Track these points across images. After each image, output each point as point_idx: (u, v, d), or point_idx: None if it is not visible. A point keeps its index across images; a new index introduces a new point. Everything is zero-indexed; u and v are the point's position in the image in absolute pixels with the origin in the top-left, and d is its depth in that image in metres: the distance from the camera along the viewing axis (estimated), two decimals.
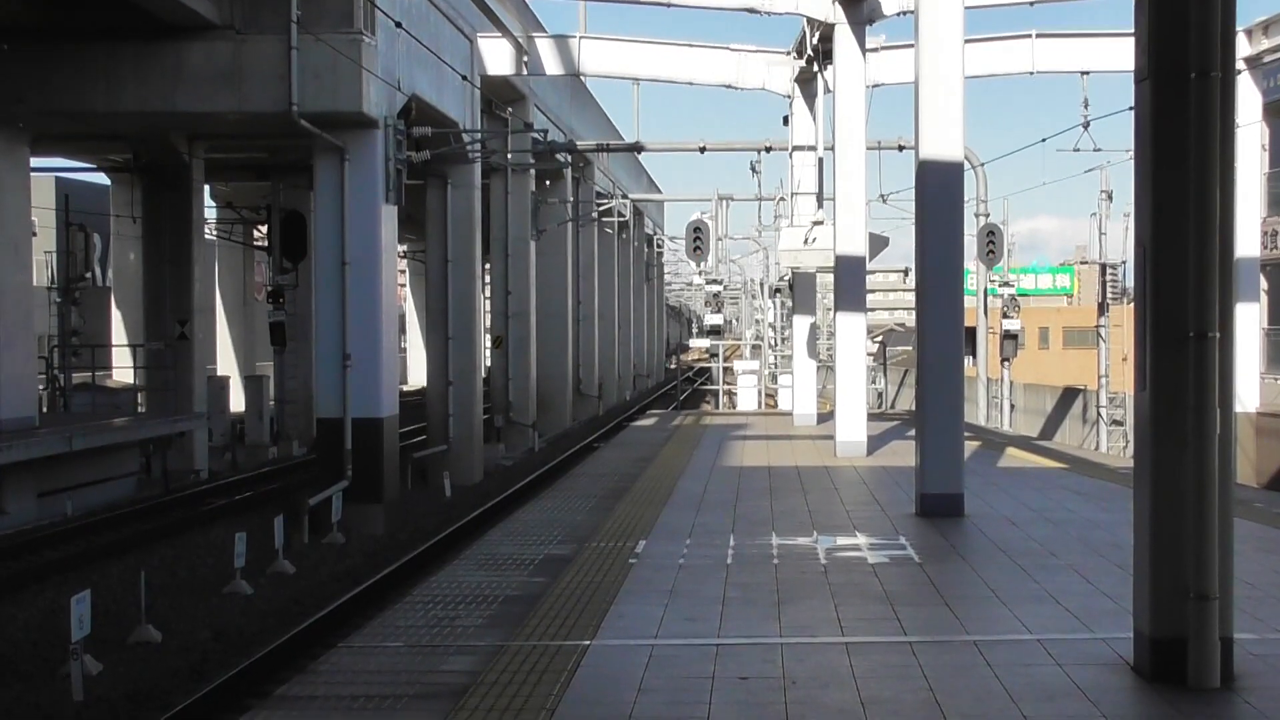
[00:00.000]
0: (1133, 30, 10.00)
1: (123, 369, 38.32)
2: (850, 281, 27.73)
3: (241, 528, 22.82)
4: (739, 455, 27.43)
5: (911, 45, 19.57)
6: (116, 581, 20.72)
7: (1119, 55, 32.98)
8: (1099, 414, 44.54)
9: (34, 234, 32.36)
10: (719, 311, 54.47)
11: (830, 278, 30.68)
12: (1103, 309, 46.69)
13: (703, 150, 41.51)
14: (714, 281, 53.75)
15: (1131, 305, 11.46)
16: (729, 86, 35.64)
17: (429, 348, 37.85)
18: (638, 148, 42.41)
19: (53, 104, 26.11)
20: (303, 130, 25.89)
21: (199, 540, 24.86)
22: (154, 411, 34.32)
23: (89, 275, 39.34)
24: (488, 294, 43.68)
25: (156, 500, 29.50)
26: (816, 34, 29.02)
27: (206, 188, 40.06)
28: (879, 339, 73.46)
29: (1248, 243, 29.30)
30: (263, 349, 45.72)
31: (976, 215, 45.06)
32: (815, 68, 30.69)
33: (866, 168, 27.77)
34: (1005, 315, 46.29)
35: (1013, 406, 48.94)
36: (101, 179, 42.19)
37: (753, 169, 55.29)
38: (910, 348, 58.50)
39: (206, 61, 25.67)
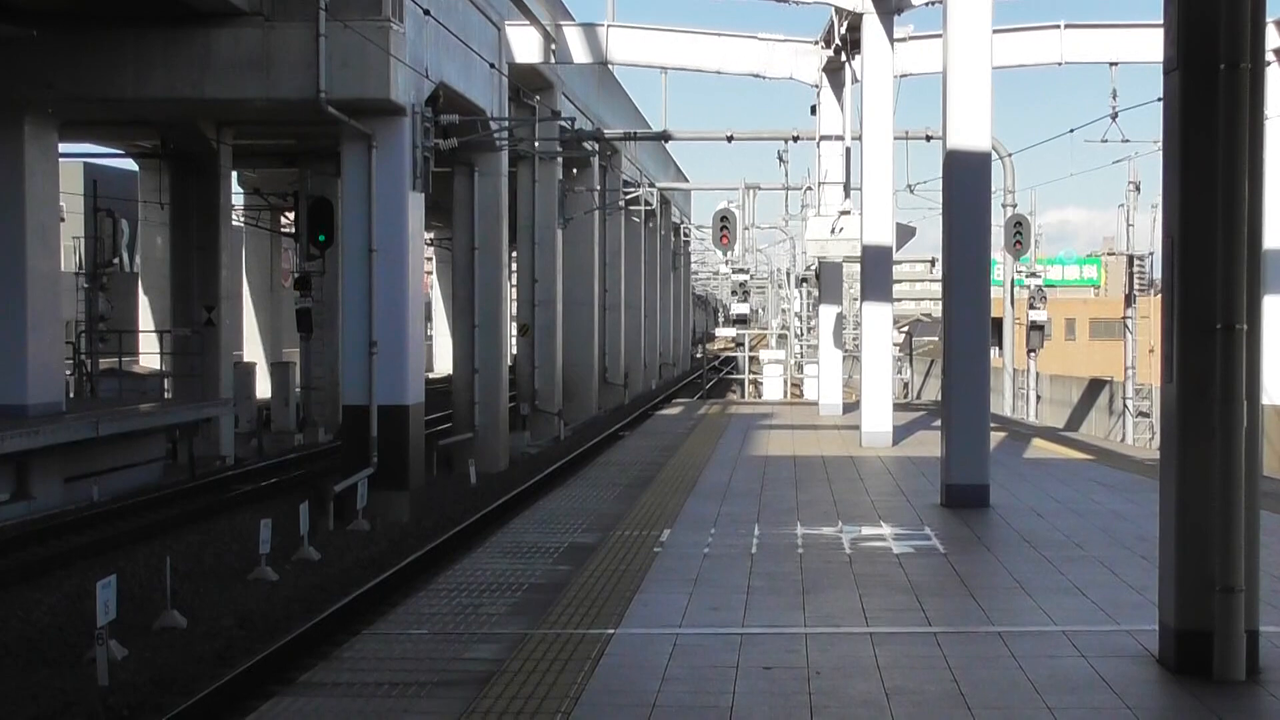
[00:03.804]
0: (1162, 21, 9.96)
1: (150, 355, 38.46)
2: (877, 271, 27.67)
3: (267, 514, 22.89)
4: (764, 444, 27.42)
5: (940, 35, 19.52)
6: (142, 567, 20.79)
7: (1148, 46, 32.85)
8: (1125, 405, 44.42)
9: (62, 219, 32.47)
10: (745, 301, 54.48)
11: (857, 268, 30.60)
12: (1130, 300, 46.58)
13: (730, 139, 41.41)
14: (740, 271, 53.74)
15: (1159, 297, 11.46)
16: (757, 76, 35.59)
17: (455, 335, 37.92)
18: (665, 136, 42.30)
19: (82, 89, 26.17)
20: (330, 117, 25.94)
21: (224, 526, 24.93)
22: (180, 397, 34.46)
23: (116, 261, 39.49)
24: (514, 282, 43.70)
25: (182, 486, 29.59)
26: (845, 23, 28.95)
27: (234, 174, 40.17)
28: (905, 329, 73.36)
29: (1277, 234, 29.12)
30: (289, 335, 45.84)
31: (1004, 206, 44.94)
32: (843, 57, 30.60)
33: (894, 158, 27.75)
34: (1032, 306, 46.19)
35: (1039, 397, 48.85)
36: (130, 165, 42.42)
37: (780, 158, 55.29)
38: (936, 338, 58.41)
39: (235, 48, 25.73)
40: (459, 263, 36.60)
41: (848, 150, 31.19)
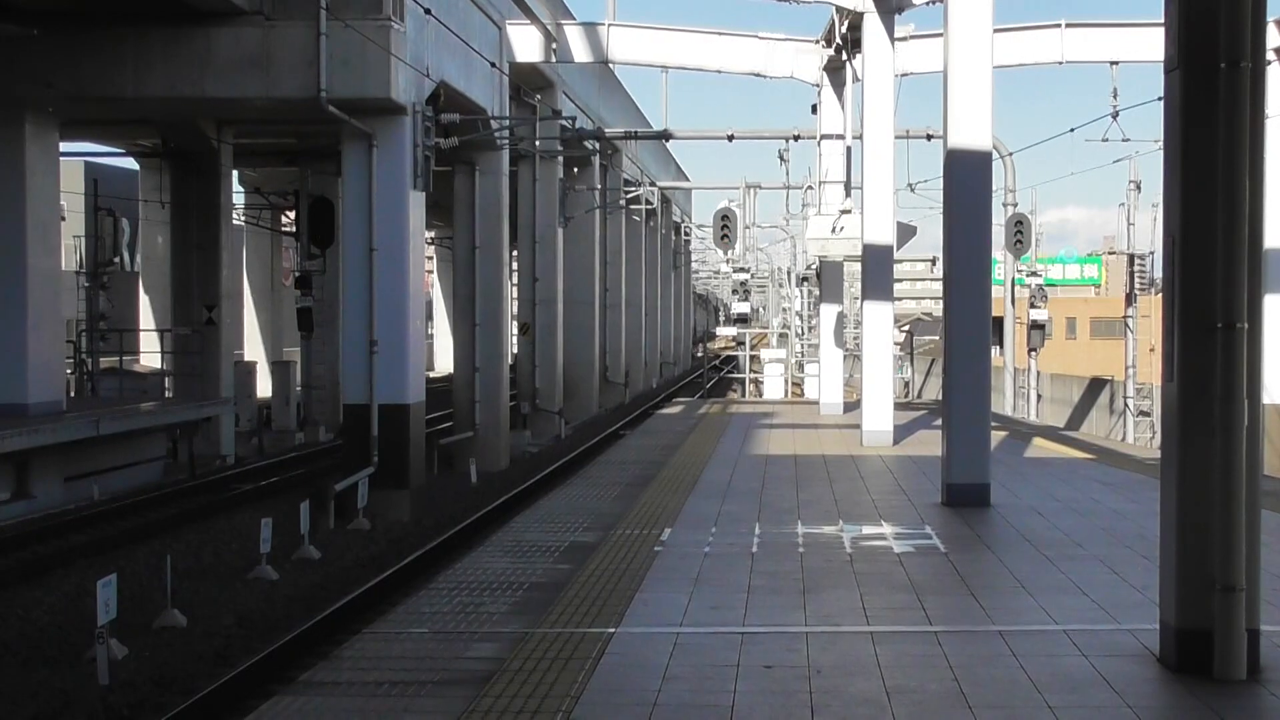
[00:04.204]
0: (1162, 20, 9.96)
1: (150, 354, 38.46)
2: (877, 270, 27.68)
3: (267, 513, 22.87)
4: (765, 444, 27.42)
5: (940, 34, 19.53)
6: (142, 566, 20.79)
7: (1148, 45, 32.84)
8: (1126, 404, 44.43)
9: (62, 218, 32.45)
10: (746, 300, 54.45)
11: (858, 267, 30.60)
12: (1130, 299, 46.61)
13: (731, 138, 41.39)
14: (741, 270, 53.70)
15: (1159, 295, 11.45)
16: (757, 75, 35.56)
17: (456, 334, 37.92)
18: (666, 135, 42.27)
19: (82, 88, 26.19)
20: (331, 116, 25.94)
21: (224, 525, 24.93)
22: (181, 397, 34.45)
23: (117, 260, 39.50)
24: (515, 281, 43.69)
25: (183, 485, 29.59)
26: (845, 22, 28.96)
27: (235, 173, 40.13)
28: (906, 328, 73.35)
29: (1277, 233, 29.11)
30: (290, 335, 45.86)
31: (1004, 205, 44.93)
32: (844, 56, 30.62)
33: (894, 157, 27.73)
34: (1033, 305, 46.17)
35: (1039, 396, 48.82)
36: (130, 164, 42.36)
37: (781, 157, 55.13)
38: (937, 337, 58.42)
39: (235, 47, 25.74)
40: (460, 262, 36.59)
41: (848, 149, 31.20)
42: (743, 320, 56.58)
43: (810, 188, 44.85)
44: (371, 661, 10.32)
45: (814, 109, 35.39)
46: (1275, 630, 10.66)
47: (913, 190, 44.40)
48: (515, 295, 43.49)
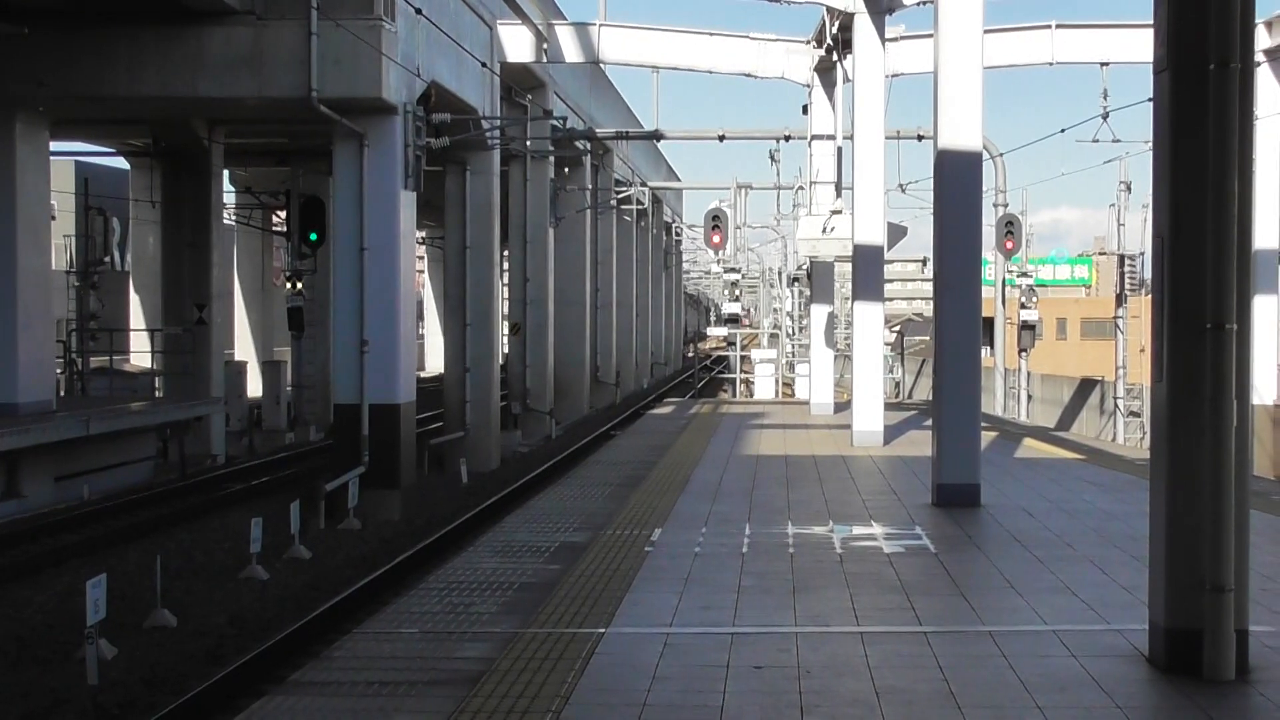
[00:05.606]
0: (1152, 21, 9.98)
1: (140, 353, 38.41)
2: (868, 271, 27.69)
3: (258, 513, 22.85)
4: (756, 444, 27.41)
5: (931, 35, 19.54)
6: (133, 566, 20.79)
7: (1139, 46, 32.88)
8: (1116, 405, 44.43)
9: (53, 218, 32.40)
10: (737, 300, 54.44)
11: (848, 267, 30.61)
12: (1120, 300, 46.61)
13: (721, 139, 41.44)
14: (732, 270, 53.69)
15: (1149, 296, 11.47)
16: (748, 75, 35.50)
17: (447, 334, 37.91)
18: (657, 136, 42.28)
19: (74, 88, 26.19)
20: (322, 116, 25.94)
21: (215, 525, 24.93)
22: (171, 396, 34.40)
23: (108, 259, 39.40)
24: (506, 281, 43.68)
25: (173, 485, 29.57)
26: (836, 23, 28.95)
27: (226, 172, 40.10)
28: (896, 329, 73.33)
29: (1267, 234, 29.21)
30: (281, 334, 45.80)
31: (995, 205, 44.93)
32: (835, 57, 30.59)
33: (885, 157, 27.71)
34: (1023, 305, 46.18)
35: (1030, 397, 48.83)
36: (121, 163, 42.32)
37: (771, 158, 55.13)
38: (928, 338, 58.42)
39: (227, 47, 25.74)
40: (451, 261, 36.60)
41: (839, 150, 31.18)
42: (734, 320, 56.59)
43: (801, 188, 44.92)
44: (362, 661, 10.32)
45: (805, 109, 35.39)
46: (1264, 631, 10.69)
47: (903, 191, 44.57)
48: (506, 295, 43.47)
